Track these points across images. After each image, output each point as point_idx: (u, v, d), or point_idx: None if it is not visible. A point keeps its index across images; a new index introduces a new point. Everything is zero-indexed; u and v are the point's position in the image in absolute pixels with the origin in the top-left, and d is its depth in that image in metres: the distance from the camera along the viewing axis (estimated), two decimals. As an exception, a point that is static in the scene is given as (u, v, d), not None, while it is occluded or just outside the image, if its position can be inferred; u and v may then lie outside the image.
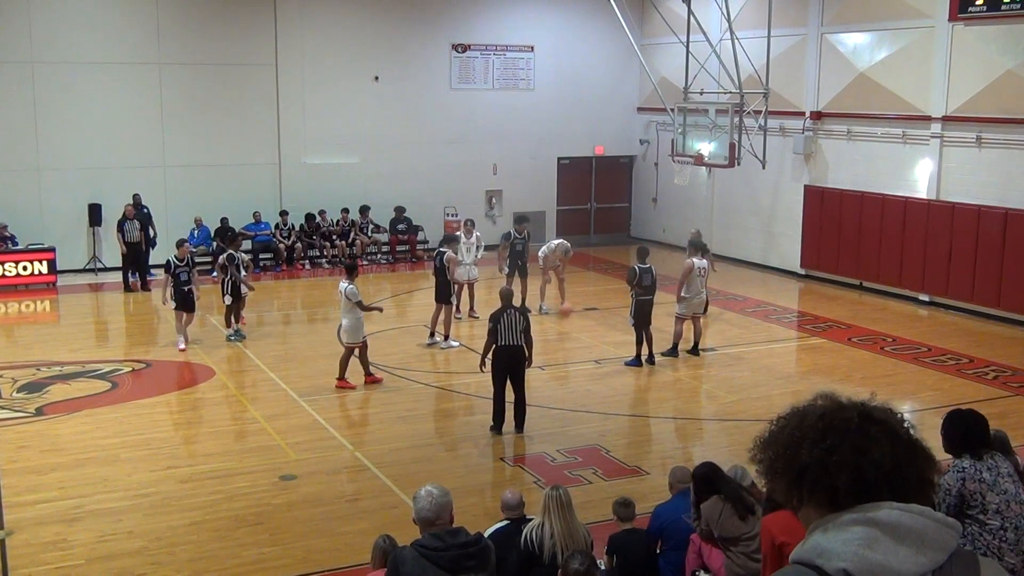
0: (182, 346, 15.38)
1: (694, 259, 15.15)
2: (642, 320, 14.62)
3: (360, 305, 13.44)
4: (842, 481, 2.02)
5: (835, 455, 2.04)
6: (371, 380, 13.69)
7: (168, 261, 15.72)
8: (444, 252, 15.99)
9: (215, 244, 20.96)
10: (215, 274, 17.57)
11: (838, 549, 1.96)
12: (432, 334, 15.95)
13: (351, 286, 13.42)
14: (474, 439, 11.76)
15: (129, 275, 20.01)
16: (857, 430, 2.06)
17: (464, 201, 24.42)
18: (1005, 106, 17.27)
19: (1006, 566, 5.31)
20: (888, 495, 2.01)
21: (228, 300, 16.01)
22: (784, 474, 2.12)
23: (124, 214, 20.15)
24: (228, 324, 16.19)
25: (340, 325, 13.61)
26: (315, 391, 13.47)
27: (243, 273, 16.35)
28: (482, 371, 12.19)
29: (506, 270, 18.01)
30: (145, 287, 19.92)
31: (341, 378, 13.58)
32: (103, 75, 21.34)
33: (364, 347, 13.67)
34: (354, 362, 13.57)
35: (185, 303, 15.43)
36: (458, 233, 17.54)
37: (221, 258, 16.51)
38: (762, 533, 5.29)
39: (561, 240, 18.64)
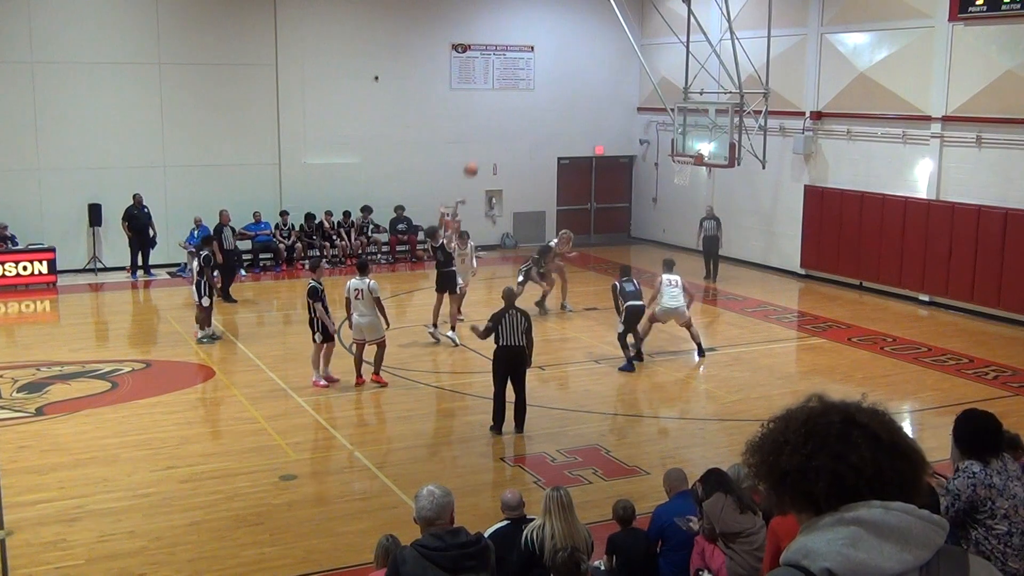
0: (322, 382, 13.62)
1: (664, 275, 15.22)
2: (631, 324, 14.76)
3: (378, 302, 13.42)
4: (820, 487, 2.04)
5: (814, 461, 2.06)
6: (360, 381, 13.68)
7: (314, 286, 13.52)
8: (442, 243, 16.08)
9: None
10: (188, 274, 17.44)
11: (822, 549, 1.98)
12: (435, 324, 15.96)
13: (374, 283, 13.50)
14: (474, 439, 11.76)
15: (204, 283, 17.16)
16: (838, 435, 2.07)
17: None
18: (1005, 106, 17.26)
19: (1009, 571, 5.28)
20: (869, 498, 2.02)
21: (206, 302, 15.79)
22: (767, 479, 2.15)
23: (220, 220, 19.53)
24: (202, 327, 15.95)
25: (360, 324, 13.47)
26: (315, 391, 13.46)
27: (215, 276, 15.85)
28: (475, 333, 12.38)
29: (520, 279, 17.73)
30: (209, 292, 17.67)
31: (376, 373, 13.70)
32: (103, 75, 21.33)
33: (362, 347, 13.68)
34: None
35: (328, 332, 13.57)
36: (445, 233, 17.49)
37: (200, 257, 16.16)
38: (769, 535, 5.28)
39: (559, 236, 18.66)
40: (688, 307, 15.19)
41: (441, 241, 16.19)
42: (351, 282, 13.62)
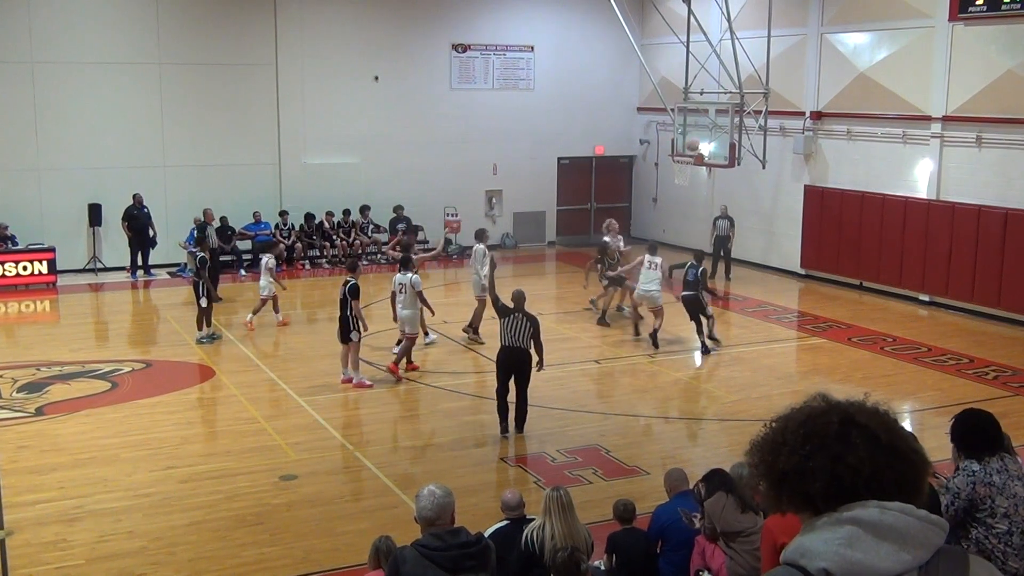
0: (356, 381, 13.70)
1: (647, 256, 15.95)
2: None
3: (421, 296, 13.89)
4: (818, 487, 2.04)
5: (811, 462, 2.05)
6: (413, 367, 14.30)
7: (355, 284, 13.60)
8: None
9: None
10: (188, 274, 17.31)
11: (819, 549, 1.98)
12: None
13: (416, 276, 13.98)
14: (474, 439, 11.76)
15: (202, 284, 16.43)
16: (836, 436, 2.06)
17: (464, 201, 24.42)
18: (1005, 106, 17.26)
19: (1009, 571, 5.27)
20: (868, 499, 2.02)
21: (203, 303, 15.78)
22: (766, 479, 2.15)
23: (204, 218, 19.64)
24: (200, 327, 15.92)
25: (402, 316, 14.03)
26: (315, 391, 13.46)
27: (204, 279, 15.81)
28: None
29: (606, 281, 17.66)
30: (207, 293, 16.75)
31: (409, 362, 14.21)
32: (103, 75, 21.33)
33: (412, 340, 14.16)
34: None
35: (359, 331, 13.68)
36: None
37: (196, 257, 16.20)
38: (763, 533, 5.29)
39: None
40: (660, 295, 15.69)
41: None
42: (396, 276, 14.31)
